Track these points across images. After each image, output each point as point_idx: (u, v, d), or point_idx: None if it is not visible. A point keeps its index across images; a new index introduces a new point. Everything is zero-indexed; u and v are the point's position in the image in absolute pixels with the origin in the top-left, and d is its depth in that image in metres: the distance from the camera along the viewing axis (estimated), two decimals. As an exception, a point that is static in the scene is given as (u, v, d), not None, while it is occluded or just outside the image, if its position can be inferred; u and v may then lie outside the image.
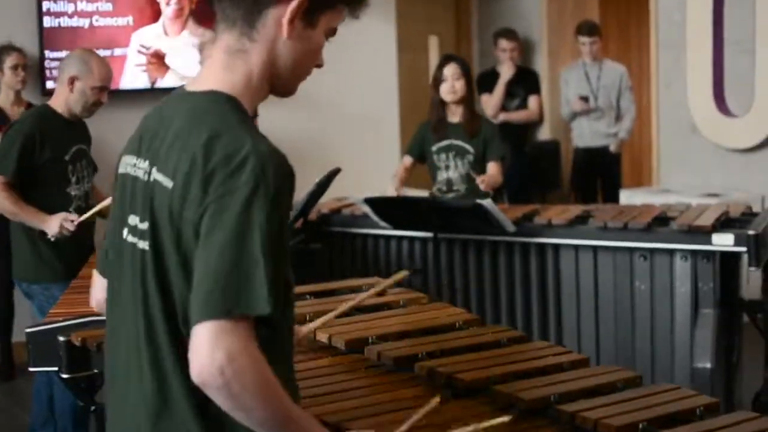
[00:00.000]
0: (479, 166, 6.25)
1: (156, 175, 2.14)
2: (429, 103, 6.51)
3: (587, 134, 8.77)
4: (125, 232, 2.25)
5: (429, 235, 5.82)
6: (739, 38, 7.76)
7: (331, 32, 2.28)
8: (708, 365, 5.27)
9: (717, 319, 5.33)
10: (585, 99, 8.62)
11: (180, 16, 7.54)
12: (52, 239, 5.01)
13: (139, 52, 7.51)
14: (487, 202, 5.44)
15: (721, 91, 7.92)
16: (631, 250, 5.45)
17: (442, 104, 6.36)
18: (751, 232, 5.15)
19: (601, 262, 5.56)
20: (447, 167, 6.31)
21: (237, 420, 2.04)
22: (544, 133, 9.40)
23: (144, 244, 2.16)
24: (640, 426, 2.45)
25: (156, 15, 7.55)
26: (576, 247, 5.61)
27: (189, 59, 7.43)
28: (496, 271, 5.81)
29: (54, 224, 5.00)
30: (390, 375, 2.95)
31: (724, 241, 5.22)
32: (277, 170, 2.05)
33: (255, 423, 2.04)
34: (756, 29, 7.59)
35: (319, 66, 2.31)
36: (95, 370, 3.63)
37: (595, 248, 5.56)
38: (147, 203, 2.15)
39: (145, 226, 2.16)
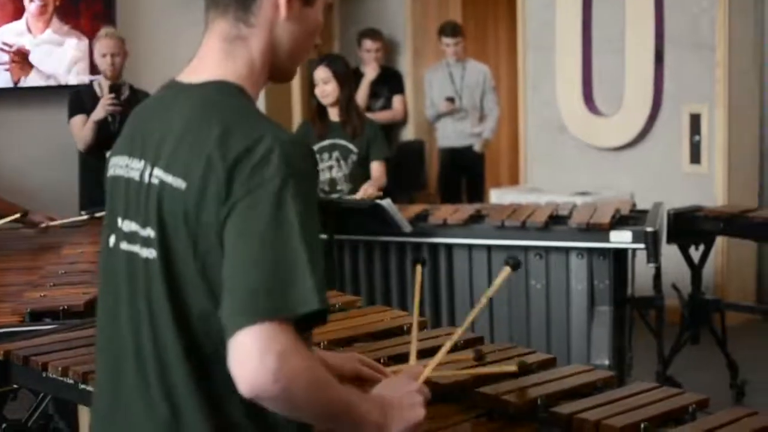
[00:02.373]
0: (362, 167, 6.17)
1: (162, 176, 1.97)
2: (291, 102, 6.41)
3: (451, 134, 8.78)
4: (113, 239, 2.08)
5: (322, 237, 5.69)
6: (608, 38, 7.87)
7: (328, 8, 2.17)
8: (606, 362, 5.31)
9: (613, 316, 5.38)
10: (451, 100, 8.62)
11: (44, 13, 7.24)
12: None
13: (1, 50, 7.18)
14: (385, 202, 5.37)
15: (589, 91, 8.02)
16: (526, 249, 5.46)
17: (321, 105, 6.26)
18: (649, 229, 5.22)
19: (495, 261, 5.53)
20: (330, 167, 6.20)
21: (293, 419, 1.93)
22: (409, 134, 9.37)
23: (148, 252, 1.99)
24: (642, 426, 2.39)
25: (19, 12, 7.24)
26: (470, 247, 5.58)
27: (53, 57, 7.14)
28: (387, 272, 5.73)
29: None
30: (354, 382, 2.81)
31: (622, 239, 5.27)
32: (302, 158, 1.93)
33: (312, 419, 1.95)
34: (625, 29, 7.71)
35: (317, 46, 2.19)
36: (15, 386, 3.41)
37: (489, 247, 5.54)
38: (152, 207, 1.98)
39: (149, 232, 1.99)
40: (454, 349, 2.99)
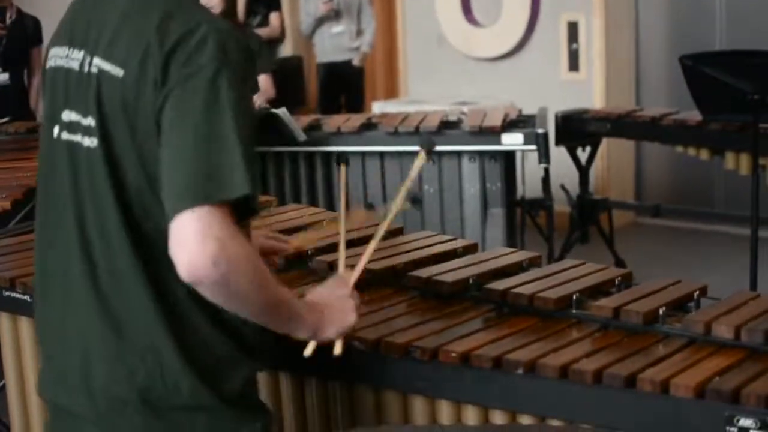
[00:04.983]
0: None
1: (101, 65, 1.98)
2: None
3: (329, 49, 8.78)
4: (57, 130, 2.08)
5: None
6: (486, -51, 7.94)
7: None
8: (500, 263, 5.42)
9: (506, 218, 5.50)
10: None
11: None
12: None
13: None
14: (281, 111, 5.37)
15: (468, 2, 8.09)
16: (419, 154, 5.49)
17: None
18: (540, 131, 5.32)
19: (388, 167, 5.58)
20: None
21: (230, 310, 1.97)
22: (287, 50, 9.33)
23: (90, 141, 2.00)
24: (574, 297, 2.48)
25: None
26: (363, 154, 5.61)
27: None
28: (281, 182, 5.74)
29: None
30: (284, 274, 2.83)
31: (513, 141, 5.37)
32: (237, 48, 1.95)
33: (249, 311, 1.98)
34: (503, -61, 7.78)
35: None
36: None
37: (382, 154, 5.58)
38: (92, 96, 1.99)
39: (89, 121, 2.00)
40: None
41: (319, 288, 2.23)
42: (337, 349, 2.17)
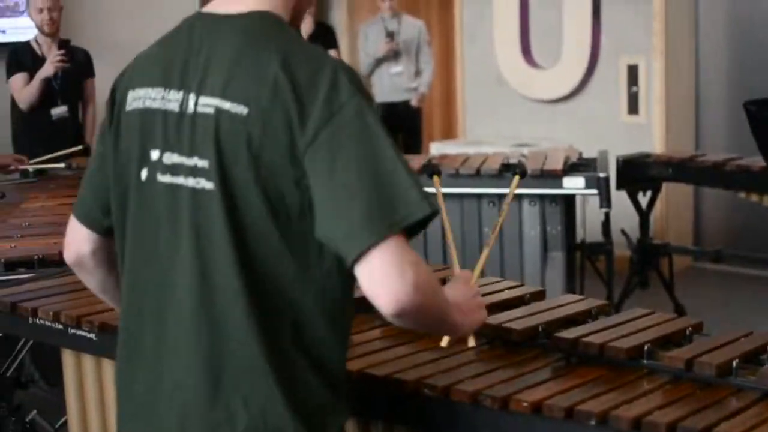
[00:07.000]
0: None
1: (217, 104, 1.96)
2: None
3: (388, 89, 8.78)
4: (145, 173, 2.06)
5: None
6: (546, -9, 7.95)
7: None
8: (559, 307, 5.38)
9: (565, 262, 5.47)
10: (390, 36, 8.56)
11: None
12: None
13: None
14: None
15: (527, 44, 8.09)
16: (479, 197, 5.50)
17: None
18: (602, 175, 5.31)
19: (449, 209, 5.53)
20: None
21: (420, 330, 2.19)
22: (344, 90, 9.35)
23: (195, 182, 1.98)
24: (646, 348, 2.45)
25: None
26: (423, 196, 5.59)
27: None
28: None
29: None
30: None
31: (575, 185, 5.35)
32: (360, 79, 1.98)
33: (434, 326, 2.12)
34: (564, -18, 7.79)
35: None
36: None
37: (442, 196, 5.55)
38: (202, 136, 1.97)
39: (196, 161, 1.98)
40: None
41: (452, 286, 2.27)
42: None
